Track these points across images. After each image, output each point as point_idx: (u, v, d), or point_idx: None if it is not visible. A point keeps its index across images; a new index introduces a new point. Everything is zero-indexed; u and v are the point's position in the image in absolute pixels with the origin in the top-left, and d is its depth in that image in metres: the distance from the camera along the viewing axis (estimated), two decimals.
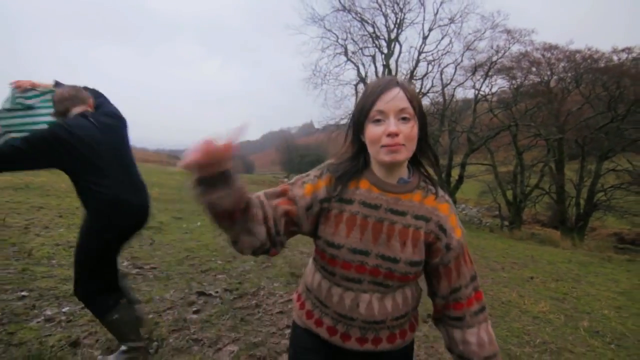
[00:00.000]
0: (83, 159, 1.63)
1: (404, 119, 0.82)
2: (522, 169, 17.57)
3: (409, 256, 0.87)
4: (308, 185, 0.92)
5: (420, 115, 0.87)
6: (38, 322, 2.22)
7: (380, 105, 0.82)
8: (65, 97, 1.77)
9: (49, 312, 2.34)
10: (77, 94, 1.79)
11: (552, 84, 17.80)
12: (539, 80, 16.88)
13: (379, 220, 0.88)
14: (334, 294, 0.93)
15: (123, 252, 3.91)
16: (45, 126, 1.76)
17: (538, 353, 2.77)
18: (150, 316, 2.47)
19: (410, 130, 0.82)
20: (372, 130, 0.84)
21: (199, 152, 0.66)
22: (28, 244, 3.79)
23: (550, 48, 17.30)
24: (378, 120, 0.83)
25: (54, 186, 8.64)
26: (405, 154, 0.84)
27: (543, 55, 17.71)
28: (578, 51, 16.87)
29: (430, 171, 0.98)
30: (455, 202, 17.64)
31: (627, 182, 16.82)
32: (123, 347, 1.84)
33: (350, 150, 0.94)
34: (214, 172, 0.71)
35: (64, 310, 2.40)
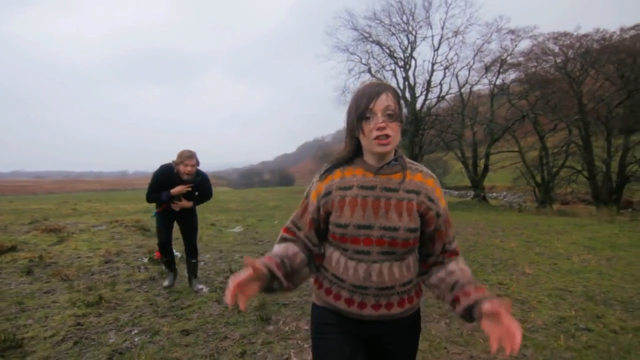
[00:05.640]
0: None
1: (389, 115, 1.01)
2: (546, 152, 18.75)
3: (406, 224, 1.03)
4: (313, 193, 1.14)
5: (402, 113, 1.06)
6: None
7: (369, 106, 1.01)
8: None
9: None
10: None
11: (569, 68, 18.90)
12: (551, 67, 18.11)
13: (377, 198, 1.04)
14: (349, 267, 1.07)
15: (250, 234, 6.61)
16: None
17: (491, 260, 4.96)
18: None
19: (395, 125, 1.02)
20: (366, 127, 1.02)
21: (229, 296, 0.90)
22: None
23: (560, 36, 18.52)
24: (368, 118, 1.02)
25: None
26: (392, 145, 1.03)
27: (555, 43, 18.96)
28: (586, 35, 17.99)
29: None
30: (483, 189, 19.20)
31: None
32: (197, 279, 3.74)
33: (348, 147, 1.12)
34: (259, 289, 0.99)
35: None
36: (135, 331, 2.68)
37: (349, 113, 1.08)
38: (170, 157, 3.43)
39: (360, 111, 1.02)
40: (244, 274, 0.93)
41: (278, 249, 1.12)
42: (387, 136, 1.01)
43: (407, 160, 1.12)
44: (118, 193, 36.88)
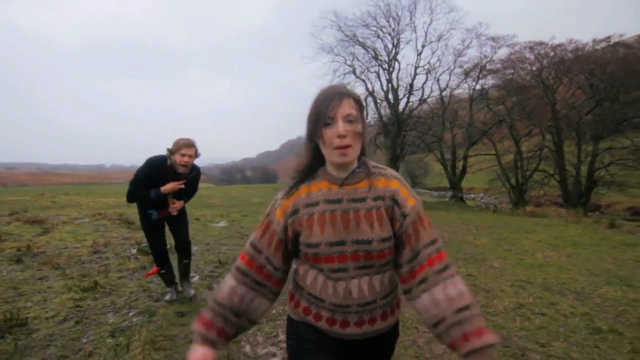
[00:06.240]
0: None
1: (350, 121, 0.95)
2: (521, 156, 19.62)
3: (379, 234, 0.97)
4: (278, 210, 1.05)
5: (364, 121, 1.02)
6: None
7: (330, 112, 0.95)
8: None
9: None
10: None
11: (544, 76, 19.80)
12: (527, 75, 18.95)
13: (345, 211, 0.99)
14: (328, 287, 1.01)
15: (235, 229, 6.78)
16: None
17: (463, 255, 5.34)
18: None
19: (355, 129, 0.96)
20: (326, 133, 0.96)
21: None
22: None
23: (536, 45, 19.38)
24: (328, 124, 0.95)
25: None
26: (353, 154, 0.98)
27: (531, 52, 19.82)
28: (560, 45, 18.90)
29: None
30: (461, 190, 19.91)
31: (623, 157, 18.30)
32: (189, 282, 3.36)
33: (309, 156, 1.05)
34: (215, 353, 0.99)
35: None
36: (133, 313, 2.88)
37: (309, 119, 1.01)
38: (150, 151, 3.15)
39: (320, 117, 0.97)
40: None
41: (222, 294, 1.04)
42: (347, 146, 0.96)
43: (371, 164, 1.07)
44: (96, 187, 36.07)
